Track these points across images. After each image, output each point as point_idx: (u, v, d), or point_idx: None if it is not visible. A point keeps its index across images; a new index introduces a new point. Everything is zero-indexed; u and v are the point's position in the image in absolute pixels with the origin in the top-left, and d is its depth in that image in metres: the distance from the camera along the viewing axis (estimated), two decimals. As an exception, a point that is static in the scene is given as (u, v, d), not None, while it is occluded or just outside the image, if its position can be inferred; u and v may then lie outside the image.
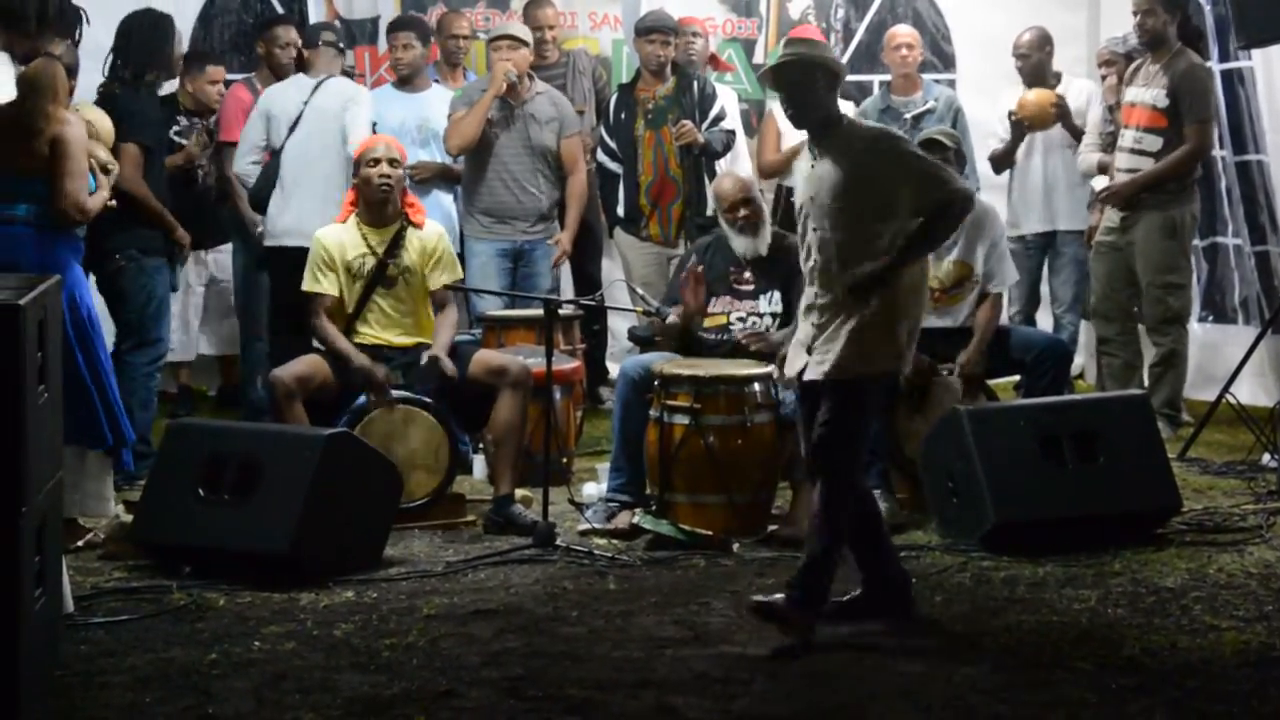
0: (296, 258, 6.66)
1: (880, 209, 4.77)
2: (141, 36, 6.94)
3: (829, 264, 4.81)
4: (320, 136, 7.35)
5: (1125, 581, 5.28)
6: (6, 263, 5.45)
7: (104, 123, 6.29)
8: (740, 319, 6.41)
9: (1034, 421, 5.82)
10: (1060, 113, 8.18)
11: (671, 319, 6.27)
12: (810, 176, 4.89)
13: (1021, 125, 8.21)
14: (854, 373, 4.76)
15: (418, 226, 6.42)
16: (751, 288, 6.45)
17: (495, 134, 7.72)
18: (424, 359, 6.22)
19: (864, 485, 5.07)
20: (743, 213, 6.42)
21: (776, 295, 6.41)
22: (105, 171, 5.95)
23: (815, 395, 4.85)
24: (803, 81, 4.87)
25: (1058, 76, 8.38)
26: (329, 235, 6.42)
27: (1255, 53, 7.68)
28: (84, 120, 5.92)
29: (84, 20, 6.44)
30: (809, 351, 4.85)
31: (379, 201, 6.37)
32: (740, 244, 6.43)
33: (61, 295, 5.59)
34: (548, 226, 7.86)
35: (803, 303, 4.96)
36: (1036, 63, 8.31)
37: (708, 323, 6.41)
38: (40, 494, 4.15)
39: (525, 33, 7.86)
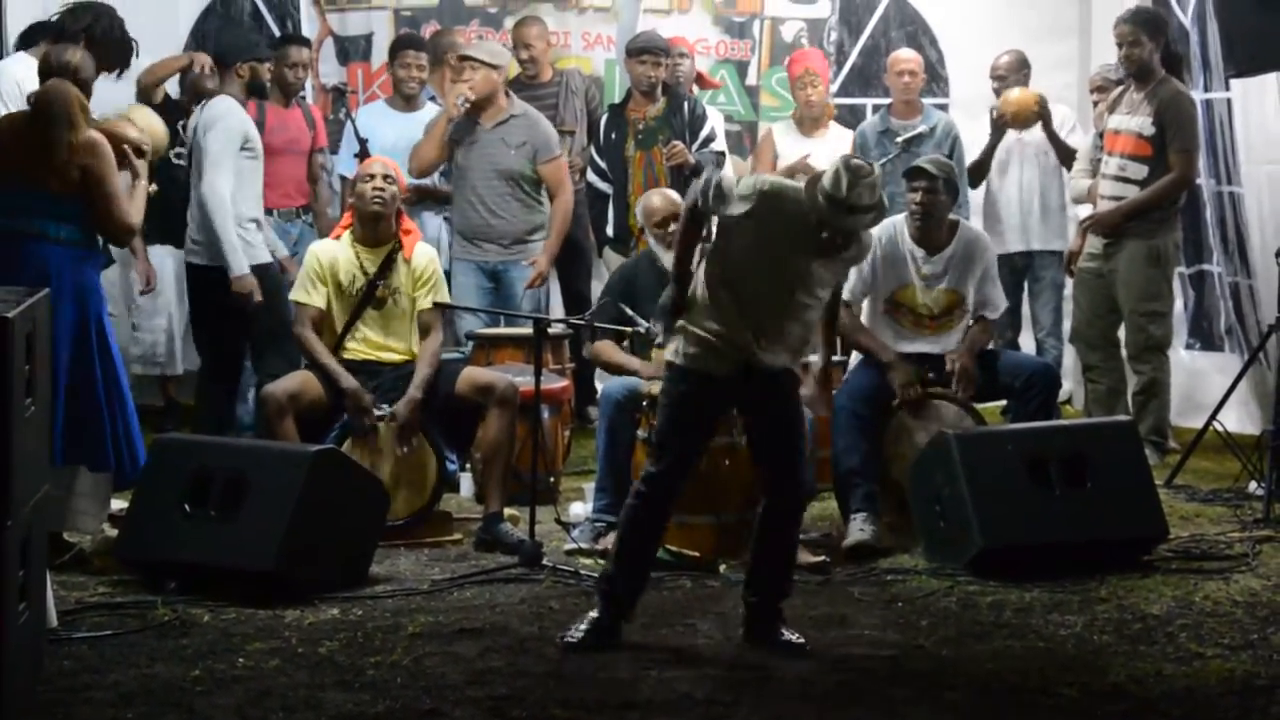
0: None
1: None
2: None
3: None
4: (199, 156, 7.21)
5: (1111, 608, 5.28)
6: (41, 279, 5.43)
7: (156, 127, 6.27)
8: None
9: (1021, 446, 5.82)
10: (1041, 112, 8.18)
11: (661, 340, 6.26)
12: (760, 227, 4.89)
13: (1003, 123, 8.22)
14: None
15: (408, 252, 6.40)
16: None
17: (462, 155, 7.71)
18: (389, 412, 6.20)
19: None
20: (673, 228, 6.42)
21: None
22: (140, 155, 5.92)
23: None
24: None
25: None
26: (324, 250, 6.44)
27: (1234, 84, 7.68)
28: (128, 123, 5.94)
29: (136, 52, 6.43)
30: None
31: (371, 216, 6.36)
32: (670, 259, 6.42)
33: (87, 312, 5.70)
34: (525, 249, 7.78)
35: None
36: (1013, 85, 8.33)
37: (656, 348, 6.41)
38: (26, 508, 4.14)
39: (492, 55, 7.72)
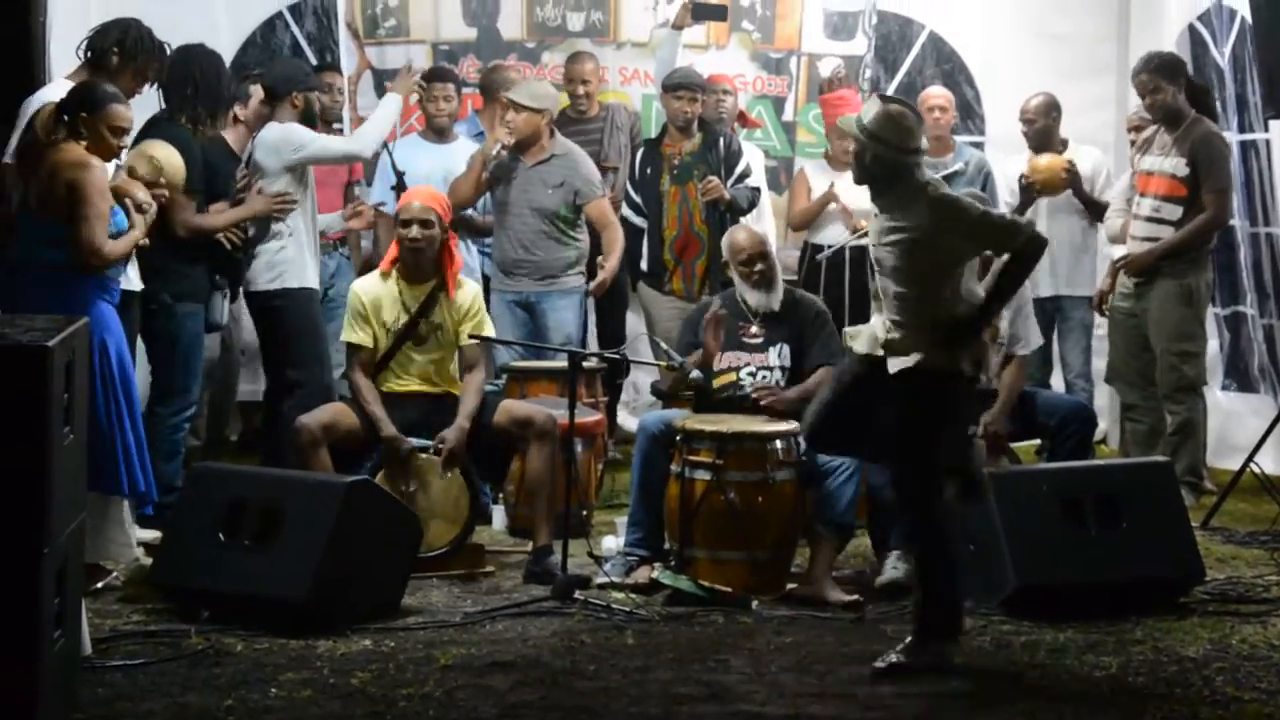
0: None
1: (942, 265, 4.99)
2: (208, 83, 6.69)
3: (900, 310, 5.04)
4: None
5: (1147, 650, 5.25)
6: (34, 306, 5.45)
7: (172, 160, 6.27)
8: (750, 374, 6.40)
9: (1056, 486, 5.79)
10: (1070, 178, 8.19)
11: (691, 361, 6.27)
12: (875, 231, 5.12)
13: (1032, 190, 8.21)
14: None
15: (452, 288, 6.41)
16: (760, 340, 6.44)
17: (501, 191, 7.74)
18: (434, 445, 6.22)
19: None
20: (758, 266, 6.42)
21: (785, 349, 6.42)
22: (140, 211, 5.94)
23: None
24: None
25: (1064, 143, 8.38)
26: (367, 288, 6.45)
27: (1273, 125, 7.65)
28: (145, 158, 5.98)
29: (165, 57, 6.46)
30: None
31: (410, 263, 6.40)
32: (754, 298, 6.44)
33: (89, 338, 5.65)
34: (556, 281, 7.73)
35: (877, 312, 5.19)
36: (1043, 128, 8.31)
37: (718, 381, 6.40)
38: (62, 536, 4.16)
39: (534, 98, 7.67)
